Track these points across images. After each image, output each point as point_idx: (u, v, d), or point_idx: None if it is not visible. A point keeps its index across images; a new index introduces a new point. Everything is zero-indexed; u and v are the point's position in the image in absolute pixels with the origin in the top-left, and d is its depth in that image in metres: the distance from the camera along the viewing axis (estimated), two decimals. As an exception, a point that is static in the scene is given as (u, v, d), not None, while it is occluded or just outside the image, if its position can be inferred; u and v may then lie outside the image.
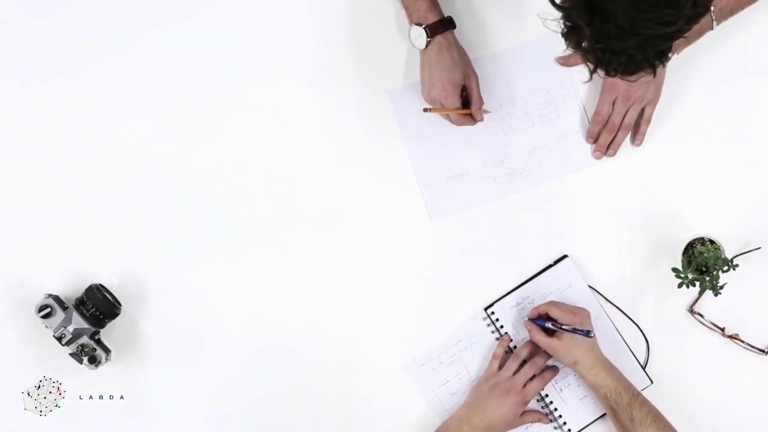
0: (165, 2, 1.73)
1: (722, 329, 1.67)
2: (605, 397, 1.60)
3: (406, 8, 1.63)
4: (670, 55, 1.24)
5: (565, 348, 1.61)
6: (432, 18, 1.61)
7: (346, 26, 1.71)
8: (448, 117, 1.68)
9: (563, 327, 1.60)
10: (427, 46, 1.62)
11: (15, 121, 1.72)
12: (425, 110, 1.64)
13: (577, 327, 1.59)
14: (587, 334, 1.58)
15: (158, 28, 1.72)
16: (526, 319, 1.66)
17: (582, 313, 1.62)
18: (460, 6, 1.70)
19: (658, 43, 1.20)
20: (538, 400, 1.69)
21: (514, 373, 1.65)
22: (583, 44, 1.21)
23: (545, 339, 1.63)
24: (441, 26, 1.61)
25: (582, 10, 1.18)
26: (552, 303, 1.64)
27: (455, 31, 1.64)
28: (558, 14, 1.22)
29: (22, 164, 1.71)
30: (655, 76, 1.25)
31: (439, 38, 1.61)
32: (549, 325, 1.62)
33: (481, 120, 1.67)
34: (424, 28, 1.61)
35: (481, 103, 1.65)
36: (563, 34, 1.23)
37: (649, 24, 1.16)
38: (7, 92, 1.72)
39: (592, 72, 1.25)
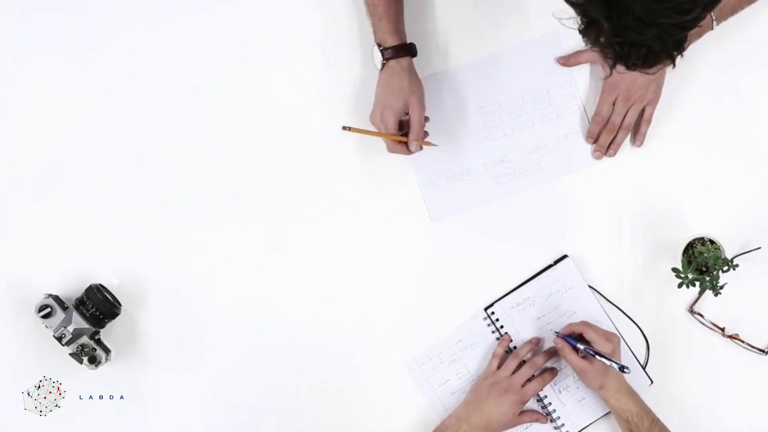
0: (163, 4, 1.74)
1: (722, 329, 1.67)
2: (627, 420, 1.59)
3: (372, 26, 1.62)
4: (686, 45, 1.23)
5: (595, 372, 1.60)
6: (391, 41, 1.60)
7: (346, 26, 1.71)
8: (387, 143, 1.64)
9: (602, 357, 1.58)
10: (382, 68, 1.61)
11: (14, 121, 1.72)
12: (344, 128, 1.60)
13: (613, 359, 1.58)
14: (622, 369, 1.57)
15: (156, 26, 1.72)
16: (558, 336, 1.65)
17: (614, 339, 1.61)
18: (460, 5, 1.70)
19: (675, 33, 1.19)
20: (537, 401, 1.69)
21: (513, 373, 1.65)
22: (602, 39, 1.21)
23: (576, 359, 1.61)
24: (400, 51, 1.60)
25: (598, 5, 1.17)
26: (587, 324, 1.62)
27: (416, 59, 1.62)
28: (572, 12, 1.22)
29: (22, 164, 1.71)
30: (674, 66, 1.24)
31: (392, 62, 1.60)
32: (582, 347, 1.60)
33: (416, 151, 1.62)
34: (381, 50, 1.60)
35: (420, 134, 1.60)
36: (581, 31, 1.23)
37: (667, 13, 1.15)
38: (6, 92, 1.72)
39: (612, 67, 1.25)
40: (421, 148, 1.62)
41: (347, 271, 1.71)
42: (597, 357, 1.59)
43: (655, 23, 1.16)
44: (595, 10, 1.18)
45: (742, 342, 1.67)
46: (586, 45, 1.24)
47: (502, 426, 1.63)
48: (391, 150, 1.63)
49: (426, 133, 1.63)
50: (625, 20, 1.16)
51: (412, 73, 1.61)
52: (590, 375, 1.61)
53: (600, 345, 1.59)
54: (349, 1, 1.71)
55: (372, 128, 1.63)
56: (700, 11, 1.17)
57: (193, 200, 1.71)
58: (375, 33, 1.62)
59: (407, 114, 1.61)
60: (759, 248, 1.65)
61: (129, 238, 1.70)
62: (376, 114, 1.61)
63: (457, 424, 1.62)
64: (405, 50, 1.61)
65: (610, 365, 1.57)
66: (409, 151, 1.62)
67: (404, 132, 1.62)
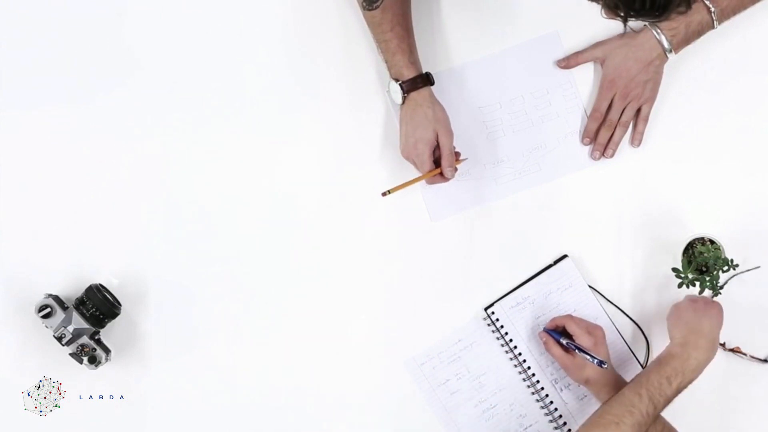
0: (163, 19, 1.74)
1: (722, 344, 1.65)
2: None
3: (386, 62, 1.62)
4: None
5: (577, 367, 1.61)
6: (408, 74, 1.60)
7: (346, 27, 1.71)
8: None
9: (581, 350, 1.59)
10: (403, 102, 1.61)
11: (16, 121, 1.72)
12: (384, 194, 1.61)
13: (593, 353, 1.59)
14: (600, 364, 1.58)
15: (157, 38, 1.72)
16: (542, 330, 1.66)
17: (597, 332, 1.62)
18: (461, 6, 1.70)
19: None
20: (537, 400, 1.69)
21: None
22: None
23: (559, 353, 1.63)
24: (419, 82, 1.60)
25: None
26: (570, 317, 1.64)
27: (433, 87, 1.63)
28: None
29: (23, 164, 1.71)
30: (688, 9, 1.22)
31: (413, 95, 1.60)
32: (564, 343, 1.62)
33: (451, 177, 1.62)
34: (400, 85, 1.60)
35: (451, 160, 1.61)
36: None
37: None
38: (8, 92, 1.72)
39: (624, 21, 1.24)
40: (456, 169, 1.63)
41: (347, 271, 1.71)
42: (577, 351, 1.59)
43: None
44: None
45: (744, 354, 1.66)
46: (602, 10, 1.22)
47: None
48: (429, 183, 1.65)
49: (458, 154, 1.64)
50: None
51: (434, 101, 1.62)
52: (572, 369, 1.62)
53: (581, 338, 1.60)
54: (347, 6, 1.71)
55: (406, 164, 1.65)
56: None
57: (192, 201, 1.71)
58: (390, 69, 1.62)
59: (437, 141, 1.62)
60: (758, 267, 1.65)
61: (129, 238, 1.70)
62: (410, 148, 1.62)
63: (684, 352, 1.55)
64: (423, 80, 1.61)
65: (590, 360, 1.58)
66: (445, 179, 1.63)
67: (435, 159, 1.63)
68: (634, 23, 1.47)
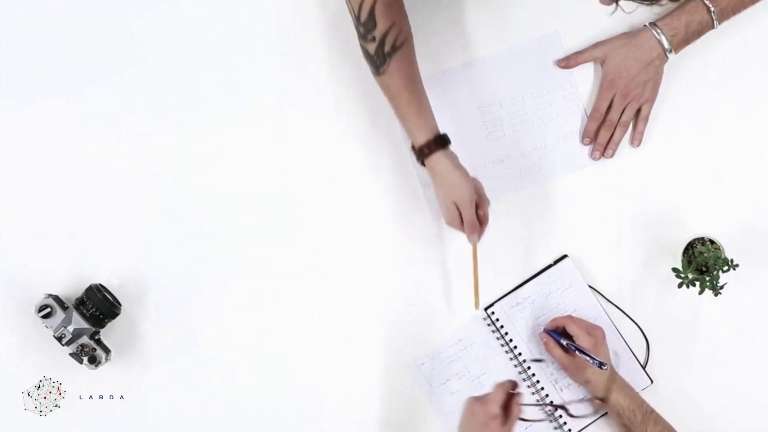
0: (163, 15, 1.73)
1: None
2: (619, 415, 1.60)
3: (404, 129, 1.59)
4: None
5: (577, 368, 1.61)
6: (421, 139, 1.55)
7: (345, 28, 1.71)
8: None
9: (580, 351, 1.59)
10: (425, 166, 1.58)
11: (16, 121, 1.72)
12: (479, 308, 1.66)
13: (593, 355, 1.59)
14: (600, 365, 1.58)
15: (157, 38, 1.73)
16: (543, 330, 1.66)
17: (597, 333, 1.62)
18: (461, 6, 1.70)
19: None
20: (537, 400, 1.69)
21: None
22: None
23: (560, 354, 1.63)
24: (434, 146, 1.55)
25: None
26: (570, 318, 1.64)
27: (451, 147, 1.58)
28: None
29: (23, 164, 1.71)
30: None
31: (430, 164, 1.56)
32: (565, 343, 1.62)
33: (475, 243, 1.60)
34: (415, 152, 1.57)
35: (472, 228, 1.58)
36: None
37: None
38: (8, 91, 1.72)
39: (617, 1, 1.23)
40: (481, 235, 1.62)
41: (346, 270, 1.71)
42: (577, 352, 1.59)
43: None
44: None
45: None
46: None
47: None
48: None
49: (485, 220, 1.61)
50: None
51: (447, 171, 1.56)
52: (572, 370, 1.62)
53: (581, 339, 1.60)
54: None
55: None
56: None
57: (193, 200, 1.71)
58: (408, 135, 1.58)
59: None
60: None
61: (129, 238, 1.70)
62: (445, 217, 1.60)
63: None
64: (437, 143, 1.55)
65: (590, 361, 1.58)
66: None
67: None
68: (629, 19, 1.46)
